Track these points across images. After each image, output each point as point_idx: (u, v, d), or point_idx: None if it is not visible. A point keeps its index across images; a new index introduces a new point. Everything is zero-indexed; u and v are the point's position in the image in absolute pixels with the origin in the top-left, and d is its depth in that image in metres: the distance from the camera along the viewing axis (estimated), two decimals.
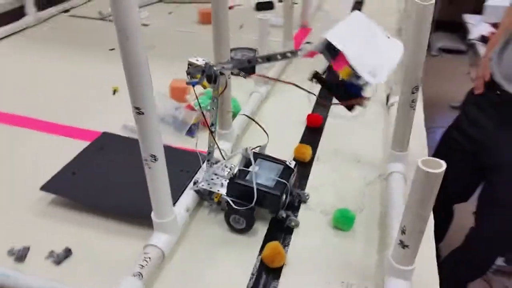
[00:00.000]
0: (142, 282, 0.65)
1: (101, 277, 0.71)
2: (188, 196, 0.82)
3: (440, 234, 1.62)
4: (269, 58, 0.68)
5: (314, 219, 0.82)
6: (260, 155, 0.84)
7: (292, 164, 0.82)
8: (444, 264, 1.52)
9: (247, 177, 0.78)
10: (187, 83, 0.74)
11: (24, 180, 0.91)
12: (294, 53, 0.66)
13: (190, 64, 0.73)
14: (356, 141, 1.05)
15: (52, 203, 0.85)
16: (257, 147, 0.86)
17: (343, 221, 0.79)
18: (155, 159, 0.65)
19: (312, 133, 1.08)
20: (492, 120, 1.25)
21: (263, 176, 0.79)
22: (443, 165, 0.54)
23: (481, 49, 2.19)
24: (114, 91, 1.30)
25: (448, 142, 1.45)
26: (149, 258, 0.69)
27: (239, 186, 0.78)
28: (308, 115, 1.11)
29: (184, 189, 0.84)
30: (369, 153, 1.01)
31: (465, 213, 1.60)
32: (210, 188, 0.82)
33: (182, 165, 0.91)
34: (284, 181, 0.78)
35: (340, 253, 0.75)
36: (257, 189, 0.75)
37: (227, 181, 0.81)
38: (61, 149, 1.00)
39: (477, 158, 1.31)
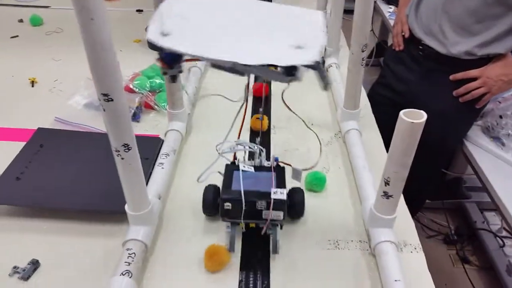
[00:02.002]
0: (133, 279, 0.61)
1: (80, 284, 0.65)
2: (157, 183, 0.77)
3: None
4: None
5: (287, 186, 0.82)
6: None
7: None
8: None
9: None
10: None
11: None
12: None
13: None
14: (304, 106, 1.07)
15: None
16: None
17: (316, 183, 0.80)
18: (128, 148, 0.60)
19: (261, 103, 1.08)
20: (415, 74, 1.35)
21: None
22: (423, 115, 0.57)
23: (381, 5, 2.30)
24: (32, 83, 1.16)
25: (375, 98, 1.54)
26: (134, 253, 0.64)
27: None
28: (254, 85, 1.10)
29: (149, 177, 0.79)
30: (320, 115, 1.04)
31: None
32: None
33: (140, 153, 0.86)
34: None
35: (319, 213, 0.77)
36: None
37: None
38: None
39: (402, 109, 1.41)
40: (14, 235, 0.71)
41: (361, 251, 0.70)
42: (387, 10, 2.17)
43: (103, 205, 0.73)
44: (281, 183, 0.68)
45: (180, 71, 0.57)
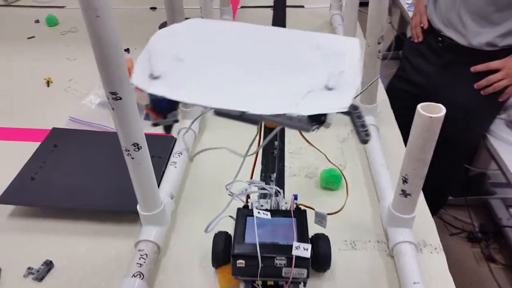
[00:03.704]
0: (145, 281, 0.60)
1: (93, 284, 0.64)
2: (169, 182, 0.76)
3: None
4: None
5: (301, 184, 0.81)
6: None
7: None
8: None
9: None
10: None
11: None
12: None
13: None
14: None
15: (13, 215, 0.75)
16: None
17: (331, 181, 0.78)
18: (138, 148, 0.59)
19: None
20: (435, 66, 1.31)
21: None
22: (442, 109, 0.54)
23: None
24: (48, 83, 1.17)
25: (394, 92, 1.50)
26: (146, 254, 0.63)
27: None
28: None
29: (162, 176, 0.78)
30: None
31: None
32: None
33: (152, 151, 0.85)
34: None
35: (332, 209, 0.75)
36: None
37: None
38: (8, 155, 0.89)
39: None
40: (28, 235, 0.72)
41: (379, 252, 0.68)
42: (406, 2, 2.12)
43: (116, 205, 0.73)
44: (303, 232, 0.58)
45: (176, 121, 0.47)
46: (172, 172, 0.78)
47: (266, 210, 0.62)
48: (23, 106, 1.07)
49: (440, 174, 1.51)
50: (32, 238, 0.71)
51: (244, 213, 0.62)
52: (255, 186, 0.64)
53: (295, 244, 0.56)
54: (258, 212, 0.60)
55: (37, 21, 1.52)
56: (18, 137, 0.96)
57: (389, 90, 1.53)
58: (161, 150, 0.84)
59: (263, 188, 0.64)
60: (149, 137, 0.89)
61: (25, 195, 0.75)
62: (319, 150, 0.75)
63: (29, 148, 0.85)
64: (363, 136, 0.45)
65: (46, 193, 0.75)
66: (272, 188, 0.65)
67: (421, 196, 0.75)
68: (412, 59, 1.40)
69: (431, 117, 0.53)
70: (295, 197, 0.67)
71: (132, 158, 0.60)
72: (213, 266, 0.62)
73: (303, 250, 0.55)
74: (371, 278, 0.64)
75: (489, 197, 1.91)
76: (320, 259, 0.61)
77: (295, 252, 0.55)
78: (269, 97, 0.40)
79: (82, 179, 0.78)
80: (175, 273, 0.66)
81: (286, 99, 0.39)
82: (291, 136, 0.93)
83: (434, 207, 1.68)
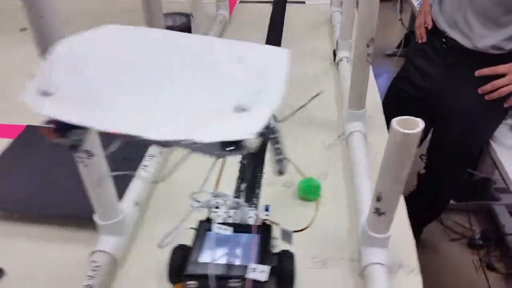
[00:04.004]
0: None
1: None
2: (137, 188, 0.72)
3: None
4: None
5: (278, 194, 0.76)
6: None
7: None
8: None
9: None
10: None
11: None
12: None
13: None
14: (311, 108, 0.99)
15: None
16: None
17: (309, 191, 0.74)
18: (89, 155, 0.55)
19: None
20: (439, 68, 1.24)
21: None
22: (419, 124, 0.49)
23: None
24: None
25: (396, 92, 1.44)
26: (98, 266, 0.60)
27: None
28: None
29: (130, 180, 0.74)
30: (324, 114, 0.96)
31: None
32: None
33: (124, 153, 0.81)
34: None
35: (310, 225, 0.70)
36: None
37: None
38: None
39: (426, 107, 1.30)
40: None
41: (351, 272, 0.63)
42: None
43: (76, 211, 0.69)
44: (265, 251, 0.54)
45: (79, 141, 0.39)
46: (141, 177, 0.75)
47: (229, 224, 0.58)
48: (4, 100, 1.04)
49: (441, 178, 1.46)
50: None
51: (205, 227, 0.58)
52: (217, 197, 0.60)
53: (251, 266, 0.51)
54: (219, 227, 0.56)
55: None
56: None
57: (390, 90, 1.47)
58: (134, 152, 0.80)
59: (225, 200, 0.60)
60: (117, 136, 0.85)
61: None
62: (293, 163, 0.71)
63: (2, 145, 0.82)
64: (277, 166, 0.39)
65: (4, 195, 0.72)
66: (237, 200, 0.60)
67: (403, 212, 0.70)
68: (415, 59, 1.33)
69: (407, 133, 0.48)
70: (266, 209, 0.63)
71: (85, 165, 0.56)
72: (170, 282, 0.59)
73: (259, 273, 0.50)
74: None
75: (493, 203, 1.84)
76: (283, 278, 0.56)
77: (250, 275, 0.50)
78: (167, 119, 0.34)
79: (47, 182, 0.75)
80: (129, 287, 0.62)
81: (185, 122, 0.34)
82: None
83: (435, 212, 1.63)
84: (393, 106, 1.46)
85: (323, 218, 0.71)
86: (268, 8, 1.48)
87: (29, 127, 0.88)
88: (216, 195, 0.60)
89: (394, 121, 0.49)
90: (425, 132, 1.49)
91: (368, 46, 0.76)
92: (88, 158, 0.55)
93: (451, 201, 1.84)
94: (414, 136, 0.48)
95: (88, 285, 0.57)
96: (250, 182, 0.75)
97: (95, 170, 0.56)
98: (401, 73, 1.42)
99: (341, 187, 0.77)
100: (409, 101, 1.36)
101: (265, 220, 0.59)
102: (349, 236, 0.68)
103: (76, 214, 0.69)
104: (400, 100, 1.41)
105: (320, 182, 0.75)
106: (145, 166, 0.77)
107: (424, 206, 1.53)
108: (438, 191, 1.47)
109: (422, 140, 1.54)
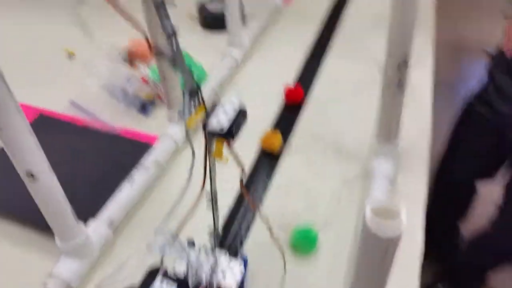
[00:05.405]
0: None
1: None
2: (115, 204, 0.66)
3: (461, 212, 1.43)
4: None
5: (266, 240, 0.65)
6: None
7: None
8: (467, 249, 1.36)
9: None
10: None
11: None
12: None
13: None
14: (343, 125, 0.85)
15: None
16: None
17: (302, 243, 0.62)
18: (34, 178, 0.49)
19: (290, 112, 0.89)
20: None
21: None
22: (401, 219, 0.35)
23: None
24: (70, 56, 1.12)
25: (470, 113, 1.22)
26: None
27: None
28: (286, 89, 0.91)
29: (113, 192, 0.68)
30: (356, 142, 0.81)
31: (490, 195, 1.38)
32: None
33: (117, 158, 0.76)
34: None
35: (296, 285, 0.59)
36: None
37: None
38: None
39: (503, 135, 1.08)
40: None
41: None
42: None
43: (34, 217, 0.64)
44: None
45: None
46: (124, 192, 0.68)
47: (176, 279, 0.50)
48: (32, 77, 1.03)
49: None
50: None
51: (152, 277, 0.51)
52: (177, 248, 0.51)
53: None
54: (161, 280, 0.49)
55: None
56: None
57: (464, 110, 1.24)
58: (128, 159, 0.75)
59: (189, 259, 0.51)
60: (120, 140, 0.79)
61: None
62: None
63: None
64: None
65: None
66: (195, 253, 0.52)
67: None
68: (500, 78, 1.10)
69: (386, 239, 0.35)
70: (244, 263, 0.54)
71: (34, 183, 0.50)
72: None
73: None
74: None
75: None
76: None
77: None
78: None
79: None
80: None
81: None
82: (288, 166, 0.77)
83: (505, 260, 1.38)
84: (463, 126, 1.24)
85: (314, 281, 0.60)
86: None
87: (41, 117, 0.86)
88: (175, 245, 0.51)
89: (368, 215, 0.35)
90: (498, 163, 1.25)
91: (400, 69, 0.60)
92: (32, 182, 0.50)
93: None
94: (395, 242, 0.35)
95: None
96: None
97: (44, 189, 0.51)
98: (478, 92, 1.19)
99: (344, 239, 0.65)
100: (483, 124, 1.14)
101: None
102: None
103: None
104: (472, 121, 1.19)
105: (317, 233, 0.63)
106: (132, 179, 0.70)
107: (495, 251, 1.31)
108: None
109: (495, 172, 1.29)
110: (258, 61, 1.04)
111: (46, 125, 0.84)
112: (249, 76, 1.00)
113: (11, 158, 0.48)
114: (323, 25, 1.15)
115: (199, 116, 0.44)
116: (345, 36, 1.11)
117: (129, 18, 0.41)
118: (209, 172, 0.46)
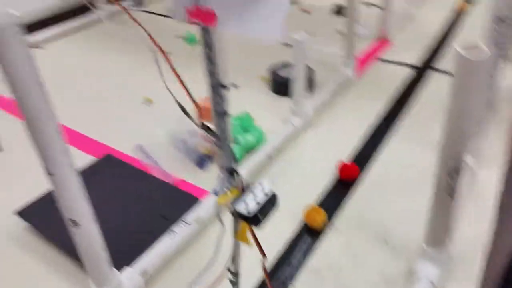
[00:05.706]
0: None
1: None
2: (152, 255, 0.69)
3: None
4: None
5: None
6: None
7: None
8: None
9: None
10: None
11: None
12: None
13: None
14: (394, 214, 0.81)
15: (27, 230, 0.79)
16: None
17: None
18: (75, 224, 0.54)
19: (341, 189, 0.87)
20: None
21: None
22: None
23: None
24: (147, 102, 1.20)
25: None
26: None
27: None
28: (342, 165, 0.89)
29: (154, 240, 0.71)
30: (405, 236, 0.76)
31: None
32: None
33: (165, 208, 0.79)
34: None
35: None
36: None
37: None
38: None
39: None
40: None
41: None
42: None
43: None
44: None
45: None
46: (163, 243, 0.71)
47: None
48: (107, 117, 1.13)
49: None
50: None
51: None
52: None
53: None
54: None
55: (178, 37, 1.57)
56: (80, 145, 1.01)
57: None
58: (172, 210, 0.78)
59: None
60: (168, 188, 0.83)
61: (39, 217, 0.78)
62: None
63: (83, 160, 0.91)
64: None
65: (52, 221, 0.76)
66: None
67: None
68: None
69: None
70: None
71: (75, 229, 0.55)
72: None
73: None
74: None
75: None
76: None
77: None
78: None
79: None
80: None
81: None
82: (328, 249, 0.75)
83: None
84: None
85: None
86: (405, 71, 1.28)
87: (108, 157, 0.94)
88: None
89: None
90: None
91: (451, 177, 0.57)
92: (74, 226, 0.54)
93: None
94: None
95: None
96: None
97: (84, 236, 0.55)
98: None
99: None
100: None
101: None
102: None
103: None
104: None
105: None
106: (173, 232, 0.73)
107: None
108: None
109: None
110: (319, 130, 1.05)
111: (110, 165, 0.91)
112: (305, 145, 1.01)
113: (58, 203, 0.53)
114: (392, 104, 1.14)
115: (232, 196, 0.45)
116: (412, 119, 1.08)
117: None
118: (233, 253, 0.47)
